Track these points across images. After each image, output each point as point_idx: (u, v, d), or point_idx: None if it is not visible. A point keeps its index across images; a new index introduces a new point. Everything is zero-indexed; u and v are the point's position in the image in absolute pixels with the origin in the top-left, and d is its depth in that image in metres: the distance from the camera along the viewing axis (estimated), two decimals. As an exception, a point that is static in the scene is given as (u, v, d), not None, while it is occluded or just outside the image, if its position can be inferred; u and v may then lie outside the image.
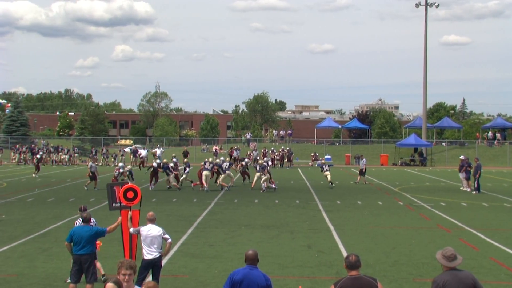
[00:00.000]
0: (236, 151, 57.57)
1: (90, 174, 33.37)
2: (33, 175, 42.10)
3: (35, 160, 44.83)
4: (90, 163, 34.81)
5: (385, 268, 14.93)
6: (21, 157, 59.10)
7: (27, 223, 21.54)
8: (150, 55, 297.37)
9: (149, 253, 11.49)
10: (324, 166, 38.43)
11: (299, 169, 53.61)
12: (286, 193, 32.39)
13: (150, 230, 11.58)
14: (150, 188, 33.12)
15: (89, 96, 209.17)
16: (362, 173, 39.32)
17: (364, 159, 40.06)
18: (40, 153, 48.83)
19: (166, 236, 11.71)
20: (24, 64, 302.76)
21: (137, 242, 12.47)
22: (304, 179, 42.76)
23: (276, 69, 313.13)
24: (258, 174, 34.36)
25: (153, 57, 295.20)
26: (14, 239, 18.15)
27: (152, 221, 11.81)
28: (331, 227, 21.08)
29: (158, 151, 58.44)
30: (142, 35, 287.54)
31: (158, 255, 11.56)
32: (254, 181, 34.87)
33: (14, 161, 59.00)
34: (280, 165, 57.62)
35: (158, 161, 34.69)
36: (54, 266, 14.82)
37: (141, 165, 51.88)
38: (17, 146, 62.13)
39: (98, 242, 13.39)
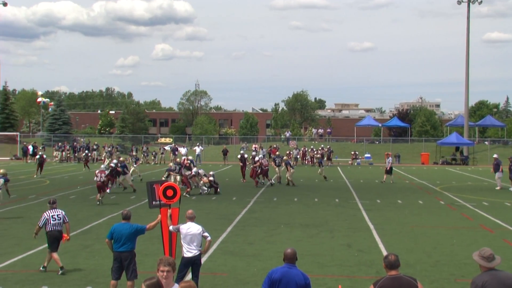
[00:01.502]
0: (261, 149, 57.76)
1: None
2: (34, 176, 40.68)
3: (36, 161, 43.05)
4: (114, 161, 34.89)
5: (426, 268, 14.77)
6: (63, 155, 60.12)
7: (70, 220, 21.80)
8: (190, 53, 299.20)
9: (189, 251, 11.54)
10: (322, 161, 40.11)
11: (338, 168, 53.38)
12: (326, 192, 32.28)
13: (190, 228, 11.64)
14: (108, 191, 29.84)
15: (130, 94, 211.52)
16: (388, 171, 38.89)
17: (390, 158, 39.71)
18: (40, 153, 46.52)
19: (206, 234, 11.75)
20: (67, 63, 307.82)
21: (177, 240, 12.55)
22: (343, 177, 42.55)
23: (315, 68, 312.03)
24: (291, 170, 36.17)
25: (192, 56, 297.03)
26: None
27: (192, 219, 11.86)
28: (371, 226, 20.93)
29: (197, 149, 58.89)
30: (181, 34, 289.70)
31: (198, 253, 11.61)
32: (288, 177, 36.06)
33: (56, 159, 60.01)
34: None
35: (115, 161, 33.34)
36: (96, 262, 15.03)
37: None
38: (60, 144, 63.16)
39: (64, 235, 14.23)
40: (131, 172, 35.74)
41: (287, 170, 36.00)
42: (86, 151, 54.86)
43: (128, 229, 11.79)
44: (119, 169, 31.72)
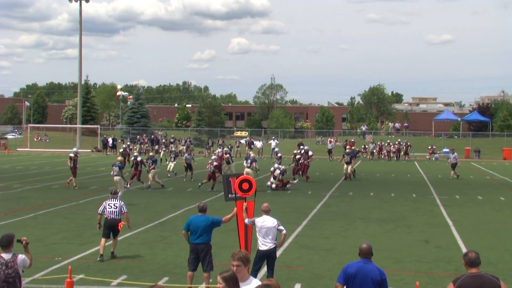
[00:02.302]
0: (330, 143, 57.16)
1: (185, 165, 33.89)
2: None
3: (118, 154, 42.38)
4: (186, 154, 35.20)
5: (509, 267, 14.33)
6: (142, 147, 61.26)
7: (148, 212, 22.36)
8: (266, 47, 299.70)
9: (264, 244, 11.59)
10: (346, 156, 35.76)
11: (415, 162, 52.48)
12: (403, 187, 31.81)
13: (265, 221, 11.68)
14: (128, 186, 28.49)
15: (206, 88, 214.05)
16: (452, 166, 37.68)
17: (455, 153, 38.56)
18: (124, 145, 46.12)
19: (281, 227, 11.77)
20: (145, 58, 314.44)
21: (253, 233, 12.62)
22: (421, 172, 41.81)
23: (392, 61, 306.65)
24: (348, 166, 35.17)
25: (268, 50, 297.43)
26: (136, 227, 18.85)
27: (267, 212, 11.89)
28: (450, 222, 20.49)
29: (273, 143, 59.02)
30: (257, 28, 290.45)
31: (273, 246, 11.65)
32: (347, 172, 35.17)
33: (135, 151, 61.20)
34: (396, 158, 56.76)
35: (135, 153, 32.46)
36: (173, 254, 15.30)
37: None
38: (138, 137, 64.52)
39: (121, 222, 14.81)
40: (169, 168, 35.46)
41: (350, 163, 35.30)
42: (128, 143, 53.93)
43: (204, 221, 11.92)
44: (147, 162, 30.09)
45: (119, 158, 26.94)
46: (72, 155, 30.15)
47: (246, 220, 12.19)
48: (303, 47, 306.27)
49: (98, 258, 14.50)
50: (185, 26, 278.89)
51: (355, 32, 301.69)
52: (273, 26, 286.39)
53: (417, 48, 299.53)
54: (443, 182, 35.06)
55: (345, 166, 35.66)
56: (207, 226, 11.89)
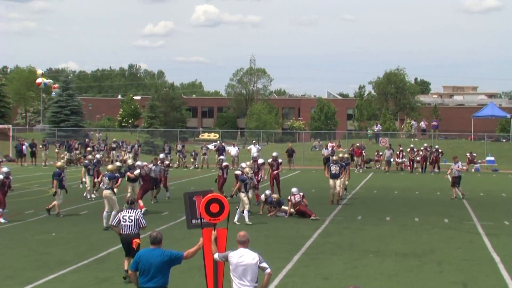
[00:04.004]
0: (326, 149, 57.04)
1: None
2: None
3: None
4: (151, 165, 33.58)
5: None
6: (72, 155, 60.72)
7: (80, 244, 22.21)
8: (243, 18, 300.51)
9: (241, 287, 11.59)
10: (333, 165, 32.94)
11: (448, 176, 52.66)
12: (431, 209, 32.00)
13: (242, 257, 11.67)
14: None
15: (161, 74, 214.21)
16: (453, 182, 36.91)
17: (458, 163, 38.12)
18: (98, 156, 45.47)
19: (264, 264, 11.74)
20: (76, 32, 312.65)
21: (225, 272, 12.61)
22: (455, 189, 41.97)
23: (416, 37, 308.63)
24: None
25: (246, 21, 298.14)
26: (64, 265, 18.76)
27: (245, 243, 11.88)
28: (496, 258, 20.64)
29: (253, 148, 58.81)
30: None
31: (253, 291, 11.65)
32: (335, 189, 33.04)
33: (63, 160, 60.78)
34: (422, 169, 56.80)
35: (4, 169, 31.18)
36: (115, 302, 15.26)
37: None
38: (67, 141, 64.08)
39: (136, 240, 15.92)
40: (87, 186, 34.34)
41: (338, 177, 32.59)
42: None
43: (158, 257, 11.88)
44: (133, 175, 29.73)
45: (110, 167, 27.61)
46: None
47: (216, 255, 12.18)
48: (293, 18, 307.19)
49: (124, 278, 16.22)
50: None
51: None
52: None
53: (451, 19, 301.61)
54: (487, 202, 35.29)
55: (331, 182, 32.75)
56: (163, 263, 11.87)
